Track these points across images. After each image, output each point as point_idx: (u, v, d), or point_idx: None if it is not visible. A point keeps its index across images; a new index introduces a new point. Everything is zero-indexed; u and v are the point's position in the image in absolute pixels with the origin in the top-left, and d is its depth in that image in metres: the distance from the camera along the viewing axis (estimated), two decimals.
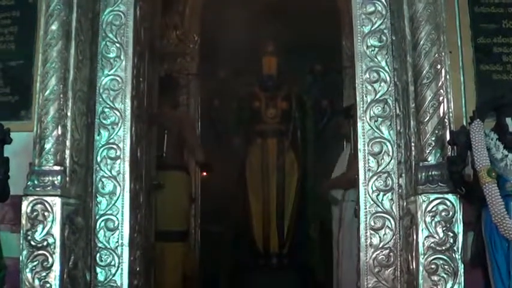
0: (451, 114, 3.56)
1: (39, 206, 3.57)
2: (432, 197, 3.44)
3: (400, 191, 3.79)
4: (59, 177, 3.62)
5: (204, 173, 6.84)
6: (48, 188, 3.60)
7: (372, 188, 3.82)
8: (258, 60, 7.33)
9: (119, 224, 3.92)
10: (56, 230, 3.56)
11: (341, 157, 5.67)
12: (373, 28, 3.96)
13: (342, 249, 5.37)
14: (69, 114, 3.72)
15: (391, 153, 3.84)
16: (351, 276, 4.95)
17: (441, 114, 3.52)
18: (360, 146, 3.87)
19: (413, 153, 3.61)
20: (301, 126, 7.40)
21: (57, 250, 3.55)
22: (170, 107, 5.82)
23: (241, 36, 6.88)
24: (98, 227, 3.92)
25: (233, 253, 7.16)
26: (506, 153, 3.27)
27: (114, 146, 3.99)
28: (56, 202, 3.58)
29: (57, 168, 3.64)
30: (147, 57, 4.44)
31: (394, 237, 3.77)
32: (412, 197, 3.57)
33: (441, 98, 3.54)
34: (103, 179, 3.97)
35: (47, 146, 3.65)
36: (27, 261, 3.54)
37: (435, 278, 3.39)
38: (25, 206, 3.59)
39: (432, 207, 3.43)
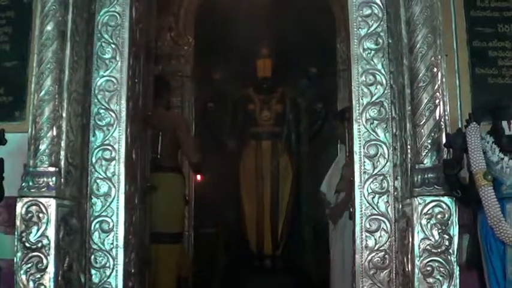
0: (447, 117, 3.56)
1: (33, 207, 3.56)
2: (428, 199, 3.44)
3: (395, 193, 3.79)
4: (53, 179, 3.60)
5: (198, 176, 6.83)
6: (43, 190, 3.58)
7: (367, 190, 3.82)
8: (253, 62, 7.33)
9: (113, 225, 3.90)
10: (51, 232, 3.54)
11: (337, 160, 5.66)
12: (369, 31, 3.96)
13: (334, 251, 5.37)
14: (64, 115, 3.71)
15: (386, 156, 3.84)
16: (343, 278, 4.99)
17: (437, 117, 3.53)
18: (356, 148, 3.87)
19: (409, 155, 3.60)
20: (296, 128, 7.40)
21: (52, 252, 3.53)
22: (164, 108, 5.79)
23: (236, 38, 6.88)
24: (92, 228, 3.90)
25: (227, 255, 7.15)
26: (502, 156, 3.27)
27: (109, 147, 3.97)
28: (50, 203, 3.56)
29: (52, 169, 3.62)
30: (142, 58, 4.41)
31: (390, 239, 3.77)
32: (407, 200, 3.58)
33: (437, 101, 3.54)
34: (98, 181, 3.94)
35: (42, 147, 3.63)
36: (22, 263, 3.52)
37: (431, 280, 3.39)
38: (20, 208, 3.57)
39: (428, 210, 3.43)
